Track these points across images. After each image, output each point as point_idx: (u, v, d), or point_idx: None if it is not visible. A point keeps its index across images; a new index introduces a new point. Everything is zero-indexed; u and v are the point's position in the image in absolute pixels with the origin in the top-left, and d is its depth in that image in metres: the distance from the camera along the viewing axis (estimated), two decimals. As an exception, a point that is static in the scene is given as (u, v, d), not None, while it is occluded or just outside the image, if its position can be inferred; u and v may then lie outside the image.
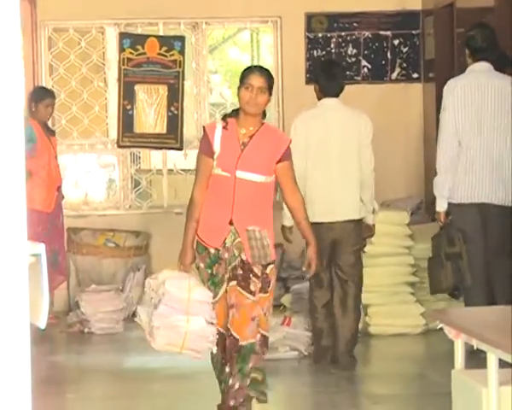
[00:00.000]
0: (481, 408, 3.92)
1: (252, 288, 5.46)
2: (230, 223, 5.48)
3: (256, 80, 5.46)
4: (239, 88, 5.59)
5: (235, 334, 5.50)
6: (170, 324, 5.60)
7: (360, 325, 8.15)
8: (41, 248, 2.26)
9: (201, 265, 5.57)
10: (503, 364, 3.89)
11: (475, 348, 4.05)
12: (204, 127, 5.88)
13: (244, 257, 5.42)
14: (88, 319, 8.20)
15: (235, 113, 5.63)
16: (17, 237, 2.18)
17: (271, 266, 5.53)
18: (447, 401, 4.42)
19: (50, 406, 6.05)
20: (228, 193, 5.52)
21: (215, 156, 5.55)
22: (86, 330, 8.32)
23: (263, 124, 5.63)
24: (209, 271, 5.53)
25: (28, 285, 2.17)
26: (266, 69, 5.72)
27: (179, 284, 5.60)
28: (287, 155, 5.60)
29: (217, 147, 5.54)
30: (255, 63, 14.20)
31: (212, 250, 5.51)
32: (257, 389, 5.61)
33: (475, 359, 4.53)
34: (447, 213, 7.26)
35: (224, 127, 5.57)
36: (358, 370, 7.81)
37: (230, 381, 5.54)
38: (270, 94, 5.55)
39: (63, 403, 6.64)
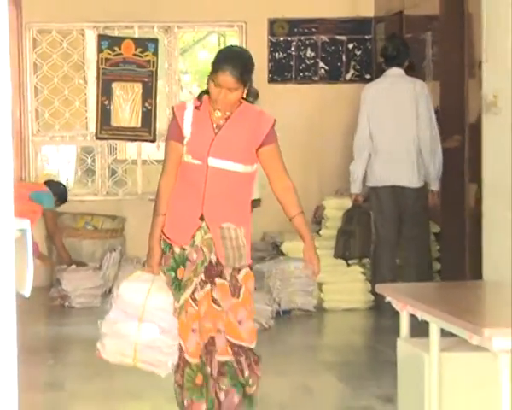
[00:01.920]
0: (423, 373, 3.97)
1: (214, 295, 4.37)
2: (201, 218, 4.36)
3: (225, 81, 4.27)
4: (209, 77, 4.34)
5: (232, 339, 4.55)
6: (118, 331, 4.55)
7: (315, 301, 8.51)
8: (26, 223, 2.31)
9: (164, 267, 4.47)
10: (445, 334, 3.91)
11: (420, 319, 4.01)
12: (173, 108, 4.71)
13: (214, 258, 4.37)
14: (68, 294, 8.39)
15: (207, 93, 4.45)
16: (4, 213, 2.21)
17: (246, 270, 4.39)
18: (393, 367, 4.42)
19: (32, 372, 6.06)
20: (199, 184, 4.37)
21: (185, 142, 4.40)
22: (66, 304, 8.53)
23: (241, 103, 4.42)
24: (173, 273, 4.43)
25: (14, 258, 2.20)
26: (242, 58, 4.42)
27: (137, 288, 4.51)
28: (271, 138, 4.37)
29: (187, 131, 4.39)
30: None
31: (178, 249, 4.44)
32: None
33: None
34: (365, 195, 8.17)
35: (197, 107, 4.40)
36: (314, 341, 8.18)
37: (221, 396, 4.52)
38: (246, 84, 4.29)
39: (44, 370, 6.65)
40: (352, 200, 8.14)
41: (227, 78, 4.23)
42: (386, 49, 8.20)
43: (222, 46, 14.28)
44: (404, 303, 4.26)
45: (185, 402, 4.53)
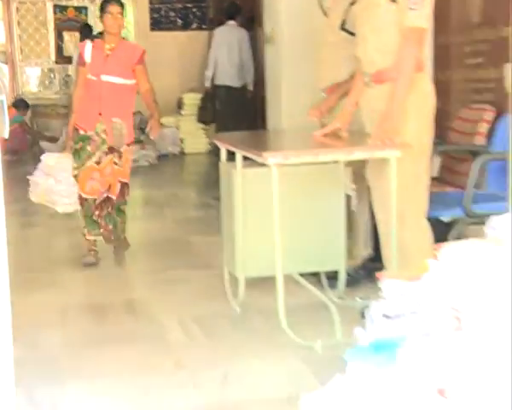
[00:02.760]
0: (233, 181, 4.51)
1: (116, 160, 5.67)
2: (100, 114, 5.62)
3: (114, 8, 5.57)
4: (101, 16, 5.71)
5: (110, 195, 5.75)
6: (36, 181, 6.07)
7: (179, 148, 12.17)
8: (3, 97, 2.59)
9: (77, 145, 5.67)
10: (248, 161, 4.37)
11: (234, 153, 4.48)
12: (78, 45, 6.26)
13: (108, 140, 5.63)
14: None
15: (101, 34, 5.79)
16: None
17: (129, 147, 5.79)
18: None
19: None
20: (97, 92, 5.61)
21: (87, 65, 5.70)
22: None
23: (121, 40, 5.78)
24: (79, 147, 5.65)
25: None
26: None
27: (53, 156, 6.21)
28: (141, 61, 5.69)
29: (87, 58, 5.69)
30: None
31: (83, 132, 5.65)
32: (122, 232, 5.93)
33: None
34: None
35: (93, 45, 5.69)
36: (180, 169, 11.24)
37: (107, 226, 5.82)
38: (123, 12, 5.72)
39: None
40: (205, 91, 11.29)
41: (115, 6, 5.60)
42: (227, 9, 11.14)
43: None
44: (223, 143, 4.83)
45: (85, 231, 5.85)
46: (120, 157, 5.69)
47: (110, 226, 5.77)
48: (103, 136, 5.63)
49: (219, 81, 10.90)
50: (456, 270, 2.83)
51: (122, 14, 5.64)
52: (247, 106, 10.75)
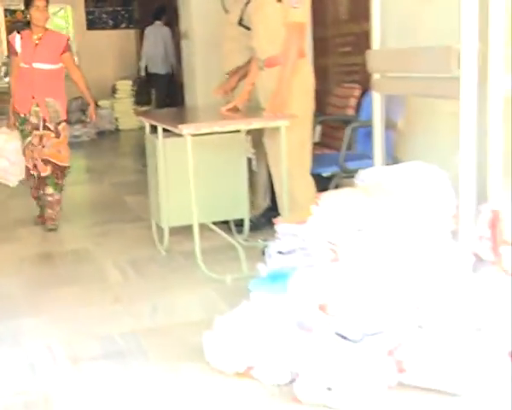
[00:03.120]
0: (156, 151, 4.51)
1: (51, 134, 5.27)
2: (33, 98, 5.24)
3: (40, 2, 5.18)
4: (28, 9, 5.27)
5: (55, 161, 5.35)
6: None
7: (114, 126, 11.90)
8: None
9: (20, 126, 5.32)
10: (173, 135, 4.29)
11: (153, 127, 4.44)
12: (8, 37, 5.71)
13: (45, 118, 5.24)
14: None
15: (29, 25, 5.32)
16: None
17: (63, 124, 5.34)
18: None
19: None
20: (29, 78, 5.24)
21: (18, 55, 5.32)
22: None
23: (47, 29, 5.34)
24: (20, 128, 5.30)
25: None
26: None
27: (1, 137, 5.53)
28: (67, 48, 5.33)
29: (18, 48, 5.31)
30: None
31: (22, 115, 5.28)
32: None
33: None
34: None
35: (22, 36, 5.31)
36: (115, 144, 10.88)
37: (51, 198, 5.40)
38: (48, 5, 5.28)
39: None
40: (139, 79, 11.62)
41: (41, 1, 5.18)
42: (155, 11, 11.12)
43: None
44: (147, 119, 4.80)
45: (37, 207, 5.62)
46: (58, 135, 5.31)
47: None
48: (39, 115, 5.24)
49: (151, 70, 11.12)
50: (332, 212, 2.89)
51: (47, 7, 5.25)
52: (172, 89, 10.94)
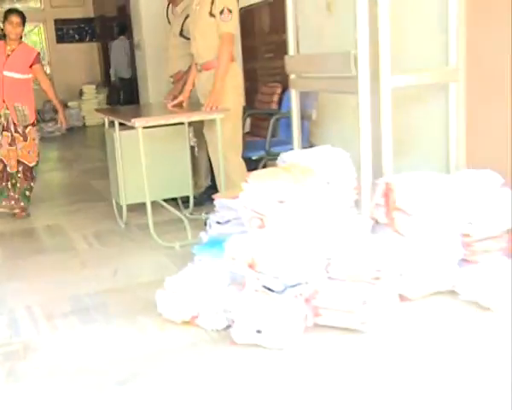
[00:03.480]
0: (114, 142, 4.40)
1: (20, 138, 4.90)
2: (4, 102, 4.88)
3: (14, 18, 4.87)
4: (3, 23, 4.96)
5: (26, 162, 4.98)
6: None
7: (82, 123, 11.31)
8: None
9: None
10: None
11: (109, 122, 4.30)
12: None
13: (14, 120, 4.86)
14: None
15: (4, 37, 4.97)
16: None
17: (29, 127, 4.93)
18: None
19: None
20: (1, 84, 4.88)
21: None
22: None
23: (21, 43, 4.97)
24: None
25: None
26: (21, 11, 4.99)
27: None
28: (37, 61, 4.95)
29: None
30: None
31: None
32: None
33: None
34: None
35: None
36: (82, 138, 10.28)
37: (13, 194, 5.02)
38: (24, 26, 4.95)
39: None
40: (110, 83, 11.48)
41: (15, 17, 4.85)
42: (119, 27, 10.88)
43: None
44: (105, 115, 4.75)
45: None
46: (26, 138, 4.90)
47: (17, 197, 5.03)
48: (8, 119, 4.86)
49: (119, 75, 10.99)
50: (259, 187, 2.86)
51: (21, 23, 4.85)
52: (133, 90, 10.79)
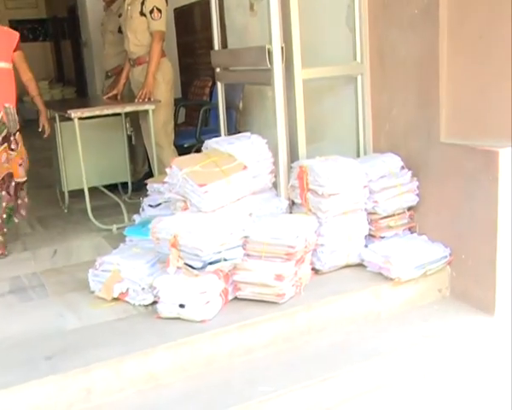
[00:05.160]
0: (56, 132, 4.22)
1: (12, 146, 3.45)
2: None
3: None
4: None
5: (16, 178, 3.52)
6: None
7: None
8: None
9: None
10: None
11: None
12: None
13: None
14: None
15: None
16: None
17: (18, 132, 3.48)
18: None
19: None
20: None
21: None
22: None
23: None
24: None
25: None
26: None
27: None
28: (18, 47, 3.52)
29: None
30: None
31: None
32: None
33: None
34: None
35: None
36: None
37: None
38: None
39: None
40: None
41: None
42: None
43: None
44: (49, 108, 4.13)
45: None
46: (17, 143, 3.47)
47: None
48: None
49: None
50: (181, 170, 2.78)
51: None
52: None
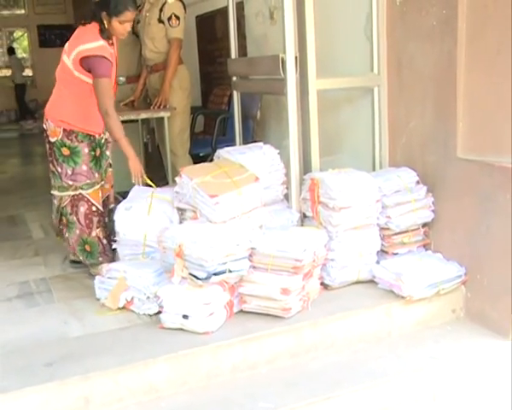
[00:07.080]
0: None
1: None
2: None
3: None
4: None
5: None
6: None
7: None
8: None
9: (86, 149, 3.01)
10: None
11: None
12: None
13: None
14: None
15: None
16: None
17: None
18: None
19: None
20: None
21: None
22: None
23: None
24: (93, 153, 3.06)
25: None
26: None
27: None
28: None
29: None
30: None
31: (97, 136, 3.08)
32: None
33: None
34: None
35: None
36: None
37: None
38: None
39: None
40: None
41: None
42: None
43: None
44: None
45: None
46: None
47: None
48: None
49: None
50: (192, 180, 2.79)
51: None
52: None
